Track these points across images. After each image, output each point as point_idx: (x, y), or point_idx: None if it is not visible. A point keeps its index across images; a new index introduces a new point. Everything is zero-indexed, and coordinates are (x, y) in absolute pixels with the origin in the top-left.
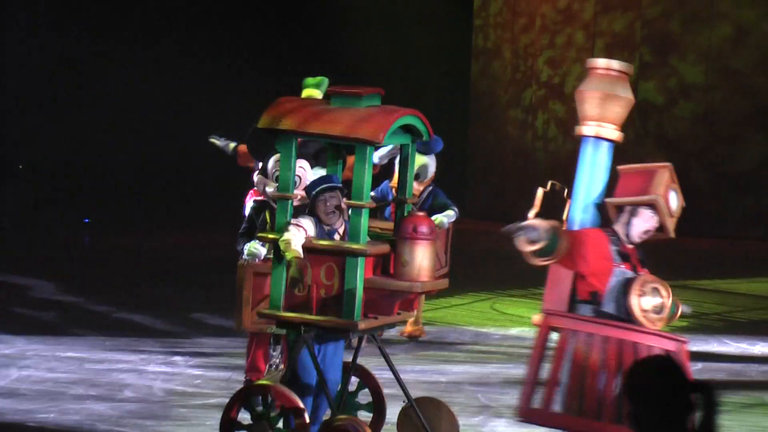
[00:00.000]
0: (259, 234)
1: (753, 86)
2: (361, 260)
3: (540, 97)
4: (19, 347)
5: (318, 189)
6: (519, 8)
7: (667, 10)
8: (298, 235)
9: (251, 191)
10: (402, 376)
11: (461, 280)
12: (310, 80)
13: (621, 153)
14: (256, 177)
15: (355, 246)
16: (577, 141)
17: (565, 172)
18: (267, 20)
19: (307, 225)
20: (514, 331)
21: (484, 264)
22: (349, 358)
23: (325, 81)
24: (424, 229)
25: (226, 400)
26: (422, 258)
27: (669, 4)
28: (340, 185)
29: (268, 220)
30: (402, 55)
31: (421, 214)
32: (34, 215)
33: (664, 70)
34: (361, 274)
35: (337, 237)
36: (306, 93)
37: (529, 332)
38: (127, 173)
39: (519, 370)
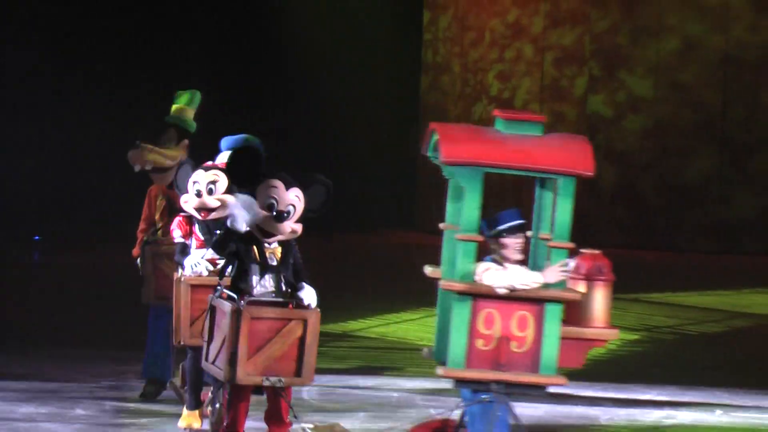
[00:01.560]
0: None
1: (701, 99)
2: (561, 308)
3: (490, 111)
4: None
5: (507, 226)
6: (468, 23)
7: (615, 24)
8: (511, 271)
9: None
10: (355, 391)
11: (413, 295)
12: (183, 96)
13: None
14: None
15: (561, 292)
16: None
17: (513, 188)
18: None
19: (494, 265)
20: None
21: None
22: None
23: (198, 95)
24: (606, 269)
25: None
26: (608, 301)
27: (617, 18)
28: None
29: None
30: (351, 69)
31: (597, 252)
32: None
33: (612, 83)
34: (560, 323)
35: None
36: (177, 107)
37: None
38: (78, 189)
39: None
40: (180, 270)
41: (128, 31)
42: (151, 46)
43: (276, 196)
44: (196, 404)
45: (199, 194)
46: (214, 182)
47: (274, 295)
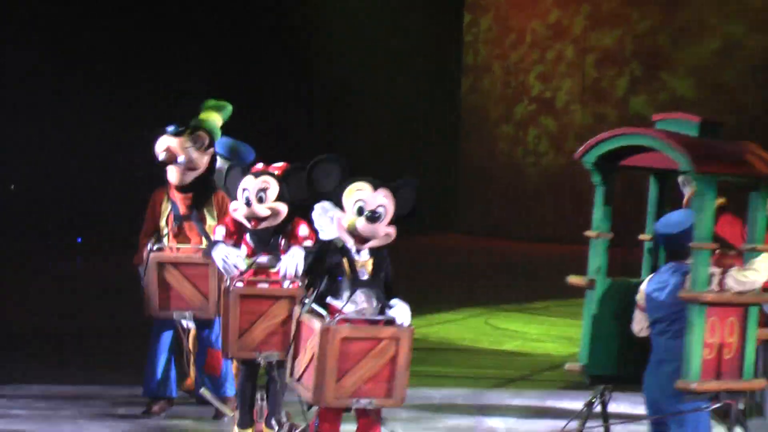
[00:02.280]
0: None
1: (742, 100)
2: (758, 310)
3: (530, 112)
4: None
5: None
6: (509, 24)
7: (656, 24)
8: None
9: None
10: None
11: (454, 295)
12: (215, 104)
13: None
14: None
15: (763, 295)
16: (568, 155)
17: (556, 187)
18: (247, 39)
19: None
20: (508, 346)
21: (476, 279)
22: None
23: (229, 107)
24: None
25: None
26: None
27: (658, 18)
28: None
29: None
30: (392, 72)
31: None
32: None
33: (653, 84)
34: (757, 326)
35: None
36: (211, 114)
37: (522, 347)
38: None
39: (512, 388)
40: (227, 280)
41: (128, 30)
42: (152, 46)
43: (364, 198)
44: (250, 422)
45: (248, 202)
46: (264, 189)
47: (364, 312)
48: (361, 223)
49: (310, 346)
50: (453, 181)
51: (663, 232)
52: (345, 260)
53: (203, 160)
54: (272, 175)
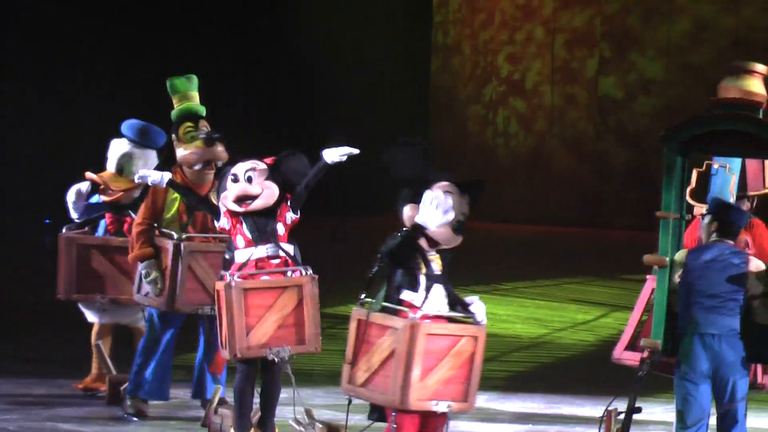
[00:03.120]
0: None
1: (712, 81)
2: None
3: (500, 93)
4: None
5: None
6: (478, 4)
7: (626, 5)
8: None
9: None
10: None
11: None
12: (184, 82)
13: (581, 148)
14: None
15: None
16: (537, 136)
17: (525, 168)
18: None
19: None
20: None
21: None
22: None
23: (194, 78)
24: None
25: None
26: None
27: None
28: None
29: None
30: (361, 51)
31: None
32: None
33: (623, 65)
34: None
35: None
36: (188, 94)
37: (491, 328)
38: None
39: (491, 367)
40: (222, 275)
41: (128, 29)
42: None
43: (455, 204)
44: (249, 426)
45: (236, 179)
46: (253, 169)
47: (440, 309)
48: (446, 232)
49: (385, 346)
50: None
51: (724, 208)
52: (420, 255)
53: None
54: (260, 160)
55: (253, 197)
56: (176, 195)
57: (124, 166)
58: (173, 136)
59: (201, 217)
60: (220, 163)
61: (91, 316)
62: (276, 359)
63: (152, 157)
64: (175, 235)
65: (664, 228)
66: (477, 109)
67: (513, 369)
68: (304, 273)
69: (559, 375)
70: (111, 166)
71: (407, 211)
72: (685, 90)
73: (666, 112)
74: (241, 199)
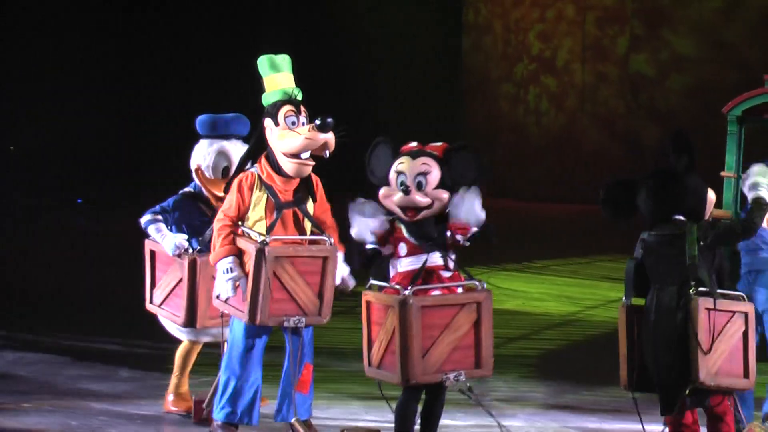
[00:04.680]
0: None
1: (745, 58)
2: None
3: (531, 71)
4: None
5: None
6: None
7: None
8: None
9: None
10: None
11: (455, 255)
12: (278, 61)
13: (612, 126)
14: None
15: None
16: (568, 114)
17: (557, 146)
18: None
19: None
20: (509, 305)
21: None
22: None
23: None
24: None
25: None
26: None
27: None
28: None
29: None
30: (392, 30)
31: None
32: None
33: (655, 42)
34: None
35: None
36: (274, 79)
37: (523, 306)
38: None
39: (513, 345)
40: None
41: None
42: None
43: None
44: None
45: (407, 190)
46: (424, 174)
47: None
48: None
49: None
50: (456, 140)
51: None
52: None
53: None
54: (433, 156)
55: (422, 208)
56: (262, 194)
57: (224, 167)
58: (268, 121)
59: (290, 216)
60: (327, 153)
61: (180, 333)
62: (454, 385)
63: (234, 148)
64: (260, 238)
65: (727, 186)
66: (508, 87)
67: (545, 347)
68: (479, 287)
69: (590, 353)
70: (208, 171)
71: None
72: (718, 67)
73: (698, 90)
74: (406, 209)
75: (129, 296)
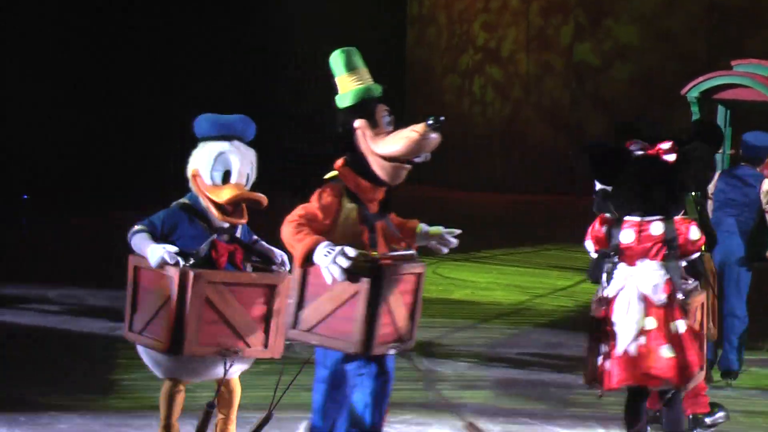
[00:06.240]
0: None
1: (687, 48)
2: None
3: (476, 61)
4: None
5: None
6: None
7: None
8: None
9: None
10: None
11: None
12: (356, 56)
13: (556, 117)
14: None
15: None
16: (514, 104)
17: (502, 136)
18: None
19: None
20: (457, 295)
21: None
22: None
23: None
24: None
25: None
26: None
27: None
28: None
29: None
30: (336, 23)
31: None
32: None
33: (599, 32)
34: None
35: None
36: (355, 75)
37: (471, 296)
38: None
39: (461, 335)
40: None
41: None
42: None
43: None
44: None
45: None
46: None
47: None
48: None
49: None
50: None
51: (750, 143)
52: None
53: None
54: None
55: None
56: (351, 206)
57: (225, 172)
58: (361, 122)
59: (383, 230)
60: (428, 156)
61: (157, 368)
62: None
63: (251, 154)
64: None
65: None
66: (453, 78)
67: (493, 336)
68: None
69: (539, 341)
70: (206, 176)
71: None
72: (660, 56)
73: (642, 79)
74: None
75: (81, 295)
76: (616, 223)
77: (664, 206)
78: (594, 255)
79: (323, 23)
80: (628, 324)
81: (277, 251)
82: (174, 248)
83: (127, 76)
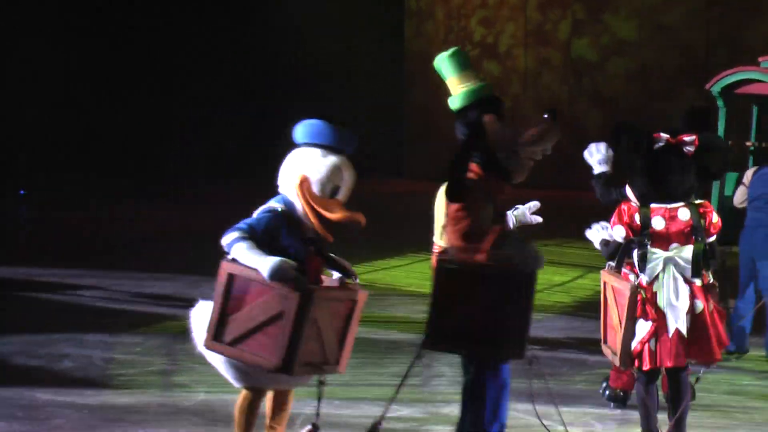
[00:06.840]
0: None
1: (686, 41)
2: None
3: (474, 57)
4: None
5: None
6: None
7: None
8: None
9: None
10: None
11: (400, 240)
12: (465, 58)
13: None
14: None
15: None
16: (513, 99)
17: None
18: None
19: None
20: None
21: (421, 224)
22: None
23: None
24: None
25: (167, 366)
26: None
27: None
28: None
29: None
30: (335, 17)
31: None
32: None
33: (596, 27)
34: None
35: None
36: (467, 76)
37: None
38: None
39: None
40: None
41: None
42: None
43: None
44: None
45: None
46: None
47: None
48: None
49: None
50: (399, 127)
51: None
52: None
53: None
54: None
55: None
56: (488, 201)
57: (334, 187)
58: (492, 118)
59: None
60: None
61: (238, 380)
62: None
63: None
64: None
65: None
66: None
67: None
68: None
69: (535, 337)
70: (317, 186)
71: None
72: (659, 50)
73: (639, 73)
74: None
75: (79, 289)
76: (641, 210)
77: (687, 193)
78: (621, 240)
79: (323, 23)
80: (679, 306)
81: (348, 263)
82: (293, 263)
83: (127, 75)
